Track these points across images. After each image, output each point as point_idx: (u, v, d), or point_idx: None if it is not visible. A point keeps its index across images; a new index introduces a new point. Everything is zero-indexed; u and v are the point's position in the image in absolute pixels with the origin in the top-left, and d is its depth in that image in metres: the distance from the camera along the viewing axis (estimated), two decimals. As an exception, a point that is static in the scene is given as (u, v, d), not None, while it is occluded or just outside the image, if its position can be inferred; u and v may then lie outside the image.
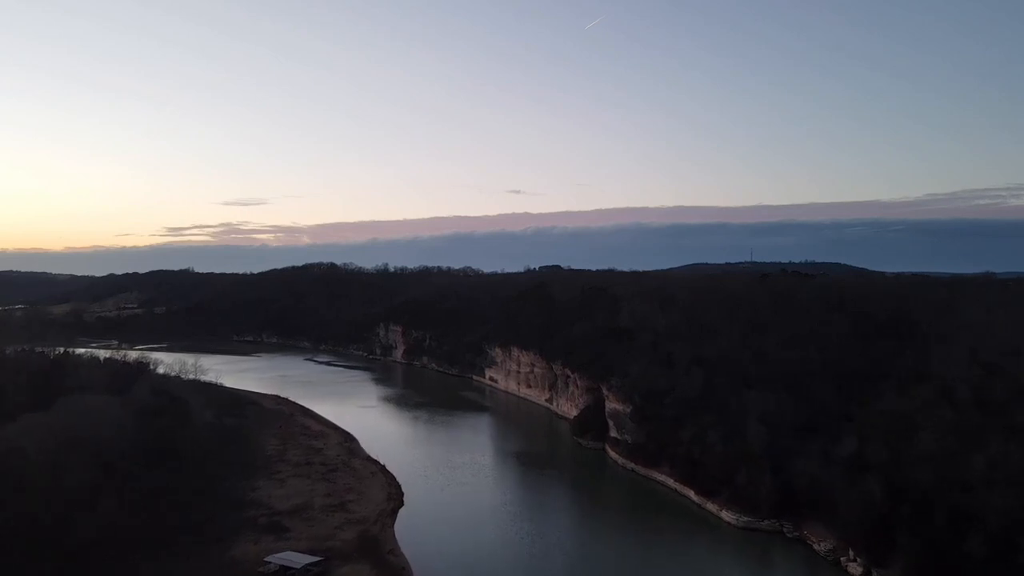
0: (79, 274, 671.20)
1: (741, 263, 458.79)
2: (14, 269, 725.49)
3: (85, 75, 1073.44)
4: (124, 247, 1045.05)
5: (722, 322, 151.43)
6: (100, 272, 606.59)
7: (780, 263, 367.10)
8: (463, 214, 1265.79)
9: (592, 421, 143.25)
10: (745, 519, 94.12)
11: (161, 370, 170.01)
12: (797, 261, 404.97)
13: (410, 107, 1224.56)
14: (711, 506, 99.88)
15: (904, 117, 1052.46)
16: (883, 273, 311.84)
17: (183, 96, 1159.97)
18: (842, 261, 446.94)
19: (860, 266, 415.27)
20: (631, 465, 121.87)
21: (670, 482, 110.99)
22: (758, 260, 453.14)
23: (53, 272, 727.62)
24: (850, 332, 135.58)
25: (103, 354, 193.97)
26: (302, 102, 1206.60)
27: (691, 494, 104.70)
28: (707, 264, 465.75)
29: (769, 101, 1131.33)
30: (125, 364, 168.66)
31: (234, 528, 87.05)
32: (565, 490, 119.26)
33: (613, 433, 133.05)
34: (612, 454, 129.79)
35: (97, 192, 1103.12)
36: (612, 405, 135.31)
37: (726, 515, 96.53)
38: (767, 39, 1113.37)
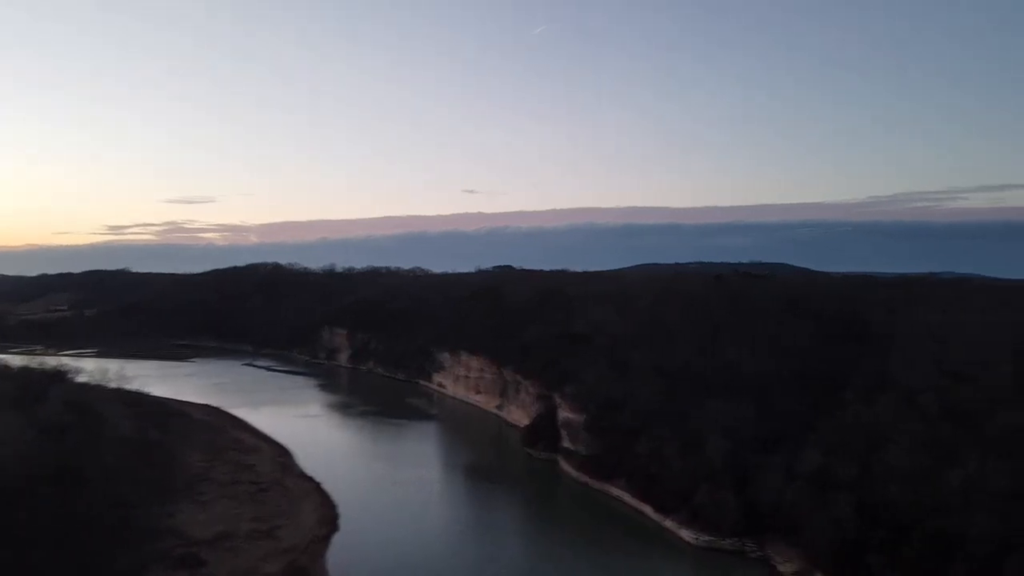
0: (10, 274, 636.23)
1: (691, 263, 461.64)
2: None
3: (19, 68, 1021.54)
4: (62, 245, 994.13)
5: (680, 326, 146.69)
6: (33, 272, 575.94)
7: (729, 263, 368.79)
8: (416, 213, 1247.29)
9: (544, 430, 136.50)
10: (706, 538, 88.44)
11: (82, 379, 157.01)
12: (745, 261, 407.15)
13: (363, 105, 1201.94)
14: (670, 523, 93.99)
15: (848, 120, 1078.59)
16: (829, 273, 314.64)
17: (125, 91, 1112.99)
18: (789, 261, 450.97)
19: (806, 266, 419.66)
20: (585, 478, 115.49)
21: (626, 497, 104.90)
22: (707, 260, 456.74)
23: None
24: (808, 336, 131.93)
25: (18, 361, 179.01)
26: (251, 99, 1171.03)
27: (648, 510, 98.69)
28: (659, 264, 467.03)
29: (718, 105, 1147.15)
30: (40, 374, 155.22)
31: (139, 565, 77.11)
32: (517, 506, 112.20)
33: (566, 443, 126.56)
34: (565, 466, 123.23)
35: (33, 189, 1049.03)
36: (565, 414, 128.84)
37: (685, 533, 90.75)
38: (717, 41, 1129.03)
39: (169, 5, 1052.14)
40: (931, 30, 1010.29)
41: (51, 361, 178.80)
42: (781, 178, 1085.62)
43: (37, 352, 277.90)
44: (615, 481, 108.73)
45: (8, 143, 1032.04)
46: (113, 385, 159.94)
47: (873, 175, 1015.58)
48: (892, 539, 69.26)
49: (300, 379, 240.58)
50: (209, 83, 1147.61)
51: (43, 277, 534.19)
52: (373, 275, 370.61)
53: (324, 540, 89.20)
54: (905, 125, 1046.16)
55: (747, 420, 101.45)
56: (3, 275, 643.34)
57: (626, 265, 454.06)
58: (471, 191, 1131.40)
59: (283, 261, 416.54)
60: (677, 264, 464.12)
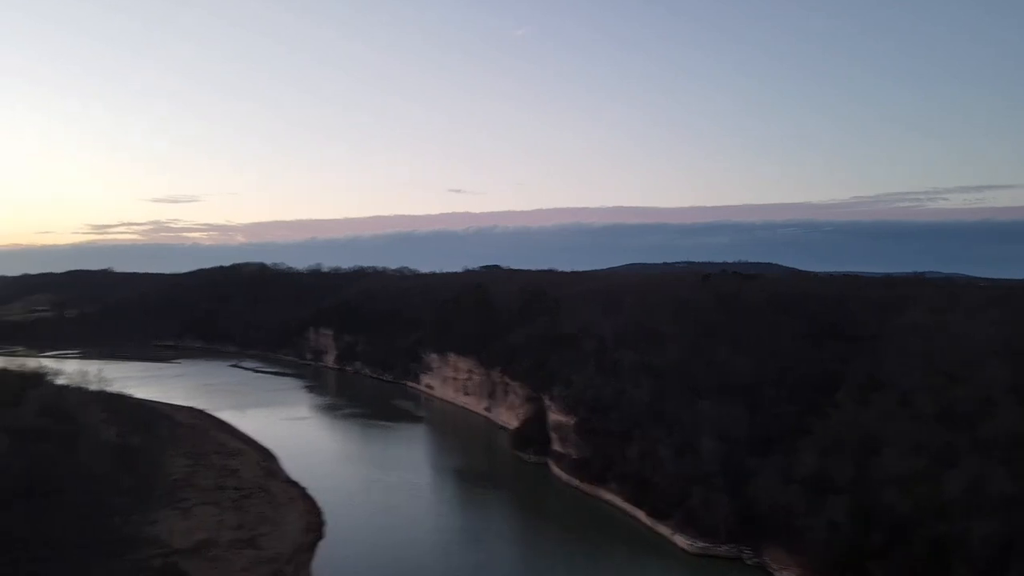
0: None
1: (677, 263, 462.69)
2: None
3: (1, 65, 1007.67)
4: (44, 245, 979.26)
5: (670, 327, 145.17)
6: (15, 272, 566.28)
7: (715, 263, 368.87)
8: (404, 213, 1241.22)
9: (534, 433, 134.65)
10: (701, 544, 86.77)
11: (61, 381, 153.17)
12: (731, 261, 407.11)
13: (350, 105, 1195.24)
14: (663, 529, 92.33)
15: (833, 121, 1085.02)
16: (816, 273, 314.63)
17: (110, 89, 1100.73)
18: (775, 261, 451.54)
19: (792, 266, 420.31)
20: (575, 482, 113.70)
21: (618, 501, 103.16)
22: (693, 260, 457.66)
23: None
24: (799, 335, 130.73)
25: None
26: (237, 98, 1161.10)
27: (641, 515, 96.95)
28: (645, 264, 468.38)
29: (704, 105, 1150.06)
30: (17, 376, 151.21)
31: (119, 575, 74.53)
32: (508, 512, 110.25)
33: (556, 447, 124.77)
34: (555, 469, 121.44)
35: (14, 187, 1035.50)
36: (555, 417, 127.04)
37: (680, 539, 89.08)
38: (703, 41, 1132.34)
39: (156, 4, 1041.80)
40: (914, 33, 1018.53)
41: (31, 363, 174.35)
42: (766, 178, 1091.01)
43: (17, 353, 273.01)
44: (607, 485, 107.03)
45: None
46: (94, 388, 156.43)
47: (858, 176, 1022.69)
48: (892, 544, 67.93)
49: (286, 380, 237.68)
50: (195, 81, 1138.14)
51: (24, 277, 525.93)
52: (359, 275, 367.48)
53: (309, 548, 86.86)
54: (889, 126, 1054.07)
55: (740, 422, 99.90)
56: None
57: (614, 265, 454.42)
58: (458, 191, 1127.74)
59: (269, 261, 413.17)
60: (665, 264, 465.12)
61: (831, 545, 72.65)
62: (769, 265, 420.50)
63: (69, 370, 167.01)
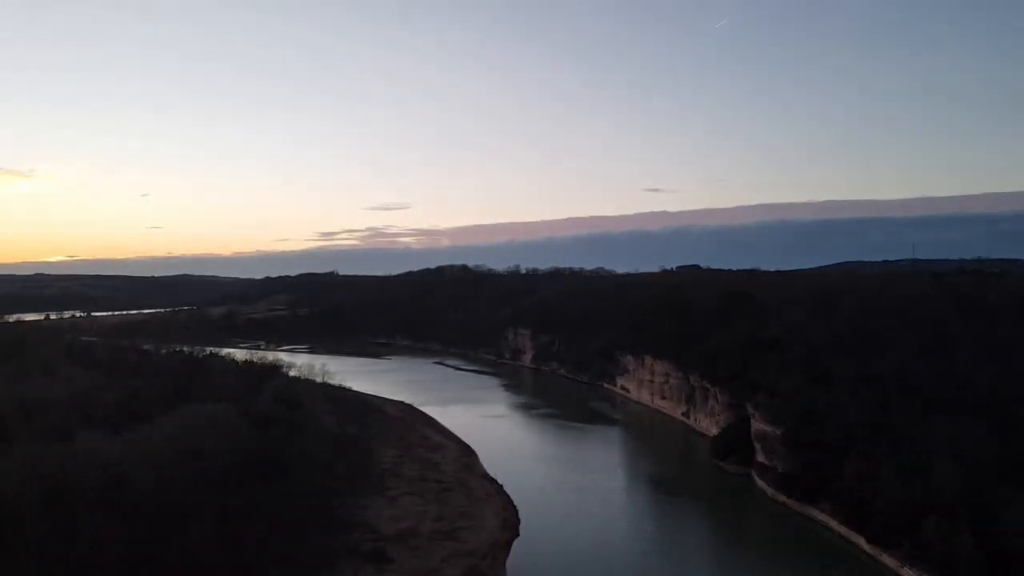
0: (242, 277, 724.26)
1: (901, 261, 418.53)
2: (187, 273, 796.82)
3: (261, 95, 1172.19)
4: (282, 251, 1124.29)
5: (892, 331, 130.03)
6: (259, 275, 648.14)
7: (948, 260, 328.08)
8: (599, 214, 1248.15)
9: (735, 442, 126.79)
10: (934, 581, 75.92)
11: (293, 373, 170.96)
12: (968, 258, 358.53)
13: (546, 109, 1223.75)
14: (888, 560, 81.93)
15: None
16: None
17: (333, 108, 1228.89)
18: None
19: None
20: (783, 498, 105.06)
21: (833, 523, 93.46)
22: (920, 257, 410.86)
23: (221, 276, 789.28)
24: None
25: (243, 355, 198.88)
26: (451, 108, 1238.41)
27: (861, 542, 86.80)
28: (862, 262, 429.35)
29: (929, 81, 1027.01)
30: (259, 367, 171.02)
31: (334, 555, 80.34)
32: (706, 525, 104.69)
33: (761, 458, 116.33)
34: (759, 482, 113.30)
35: (260, 201, 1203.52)
36: (759, 426, 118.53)
37: (908, 573, 78.60)
38: (925, 20, 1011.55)
39: (377, 23, 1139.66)
40: None
41: (269, 356, 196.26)
42: (1012, 163, 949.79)
43: (260, 347, 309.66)
44: (819, 504, 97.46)
45: (239, 160, 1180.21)
46: (319, 380, 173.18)
47: None
48: None
49: (485, 379, 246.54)
50: (403, 93, 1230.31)
51: (266, 280, 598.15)
52: (556, 276, 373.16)
53: (505, 546, 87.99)
54: None
55: (984, 443, 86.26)
56: (236, 278, 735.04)
57: (824, 263, 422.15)
58: (654, 190, 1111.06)
59: (471, 263, 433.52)
60: (886, 262, 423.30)
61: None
62: (1014, 262, 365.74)
63: (299, 363, 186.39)
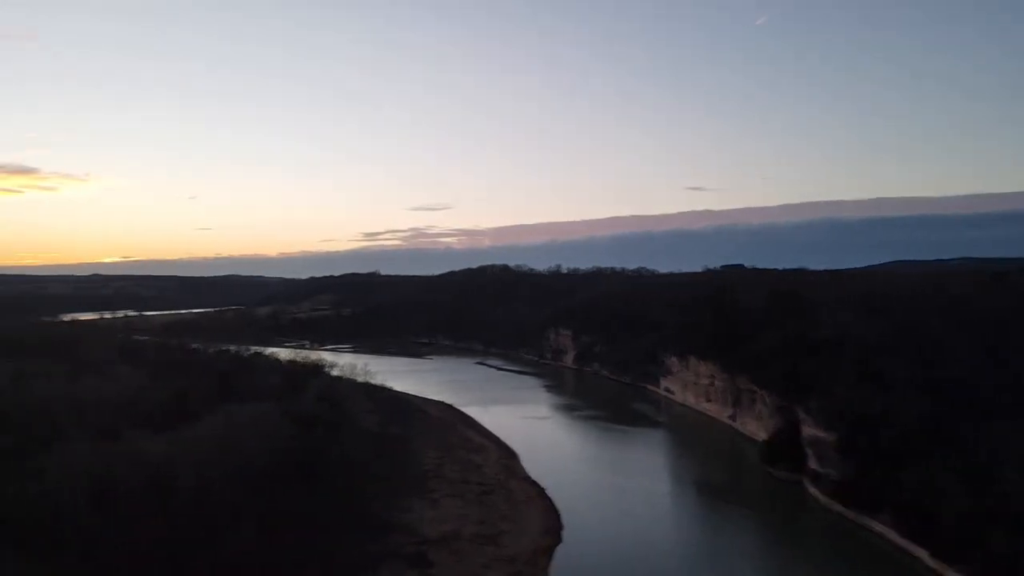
0: (287, 277, 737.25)
1: (953, 259, 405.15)
2: (235, 273, 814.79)
3: (309, 99, 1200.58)
4: (327, 252, 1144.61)
5: (949, 333, 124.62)
6: (304, 275, 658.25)
7: (1007, 259, 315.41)
8: (640, 213, 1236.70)
9: (785, 448, 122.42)
10: (1003, 598, 71.72)
11: (335, 372, 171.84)
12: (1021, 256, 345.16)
13: (586, 107, 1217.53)
14: (953, 575, 77.89)
15: None
16: None
17: (380, 108, 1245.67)
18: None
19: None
20: (838, 507, 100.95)
21: (892, 535, 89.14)
22: (975, 255, 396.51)
23: (267, 276, 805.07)
24: None
25: (287, 355, 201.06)
26: (488, 114, 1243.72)
27: (924, 556, 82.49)
28: (914, 261, 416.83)
29: (984, 75, 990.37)
30: (303, 366, 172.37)
31: (376, 558, 79.68)
32: (755, 531, 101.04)
33: (813, 465, 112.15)
34: (812, 490, 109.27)
35: (306, 202, 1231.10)
36: (810, 431, 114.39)
37: (975, 590, 74.47)
38: (969, 10, 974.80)
39: (421, 30, 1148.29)
40: None
41: (313, 355, 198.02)
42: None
43: (304, 347, 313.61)
44: (877, 515, 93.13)
45: (290, 164, 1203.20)
46: (361, 379, 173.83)
47: None
48: None
49: (526, 379, 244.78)
50: (441, 96, 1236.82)
51: (311, 280, 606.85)
52: (597, 276, 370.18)
53: (547, 552, 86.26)
54: None
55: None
56: (282, 278, 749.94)
57: (874, 262, 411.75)
58: (697, 188, 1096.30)
59: (512, 263, 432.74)
60: (939, 261, 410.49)
61: None
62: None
63: (342, 362, 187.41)
